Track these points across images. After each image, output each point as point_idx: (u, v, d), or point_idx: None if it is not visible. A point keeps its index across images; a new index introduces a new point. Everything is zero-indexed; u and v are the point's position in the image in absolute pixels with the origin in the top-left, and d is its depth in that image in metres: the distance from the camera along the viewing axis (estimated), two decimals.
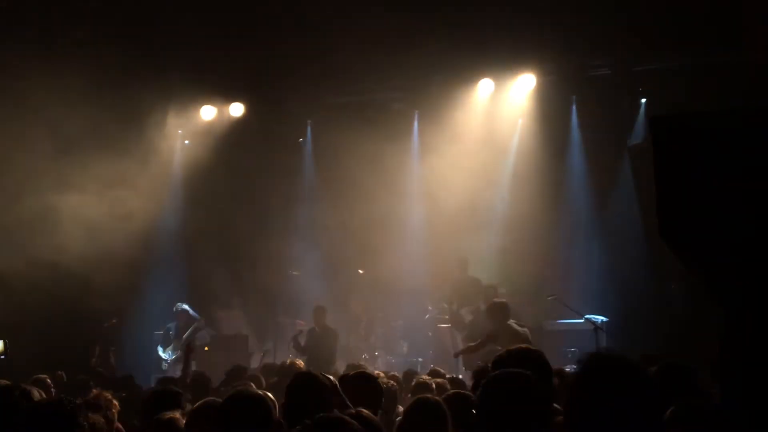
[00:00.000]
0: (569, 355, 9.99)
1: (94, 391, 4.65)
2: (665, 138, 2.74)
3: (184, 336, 12.07)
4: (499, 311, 8.92)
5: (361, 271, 13.02)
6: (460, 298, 11.34)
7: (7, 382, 4.19)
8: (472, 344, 9.19)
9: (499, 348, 7.86)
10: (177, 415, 3.95)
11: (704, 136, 2.73)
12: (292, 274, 13.44)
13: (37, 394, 4.23)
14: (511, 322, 8.77)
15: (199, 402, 4.09)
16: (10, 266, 10.23)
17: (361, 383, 4.43)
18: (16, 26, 10.26)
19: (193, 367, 8.60)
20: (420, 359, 12.03)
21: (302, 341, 11.20)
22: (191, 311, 12.45)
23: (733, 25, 9.63)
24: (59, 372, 7.94)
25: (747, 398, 2.90)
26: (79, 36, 10.73)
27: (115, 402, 4.62)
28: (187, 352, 7.90)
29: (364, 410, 3.63)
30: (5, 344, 11.37)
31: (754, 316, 2.90)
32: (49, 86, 9.82)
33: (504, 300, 9.30)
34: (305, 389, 3.80)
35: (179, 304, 12.49)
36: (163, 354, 12.30)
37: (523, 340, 7.74)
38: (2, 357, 11.28)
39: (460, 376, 7.99)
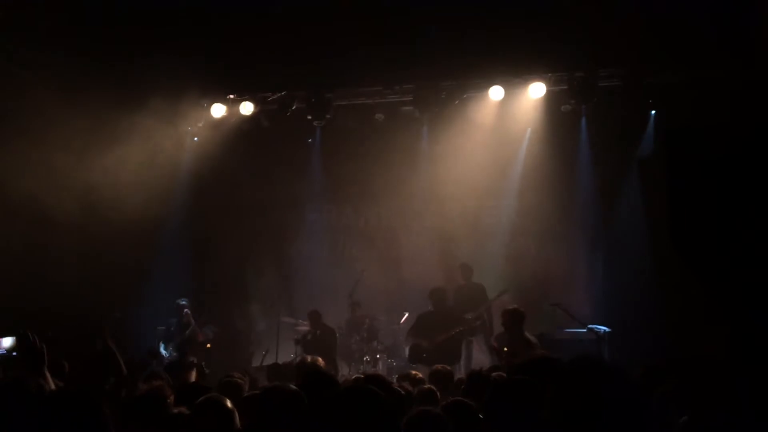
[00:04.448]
0: None
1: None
2: (680, 150, 2.74)
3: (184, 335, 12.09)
4: (510, 318, 8.75)
5: (365, 272, 13.00)
6: (463, 304, 11.31)
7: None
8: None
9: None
10: (183, 409, 3.91)
11: (718, 148, 2.73)
12: (296, 274, 13.45)
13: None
14: (526, 333, 8.67)
15: (202, 398, 4.08)
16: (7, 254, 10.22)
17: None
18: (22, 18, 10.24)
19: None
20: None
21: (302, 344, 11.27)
22: (188, 309, 12.40)
23: (745, 40, 9.62)
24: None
25: (751, 408, 2.90)
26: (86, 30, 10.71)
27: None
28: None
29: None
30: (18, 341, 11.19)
31: (760, 329, 2.90)
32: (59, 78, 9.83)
33: (518, 307, 9.01)
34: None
35: (180, 299, 12.48)
36: (164, 351, 12.28)
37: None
38: (14, 354, 11.01)
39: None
